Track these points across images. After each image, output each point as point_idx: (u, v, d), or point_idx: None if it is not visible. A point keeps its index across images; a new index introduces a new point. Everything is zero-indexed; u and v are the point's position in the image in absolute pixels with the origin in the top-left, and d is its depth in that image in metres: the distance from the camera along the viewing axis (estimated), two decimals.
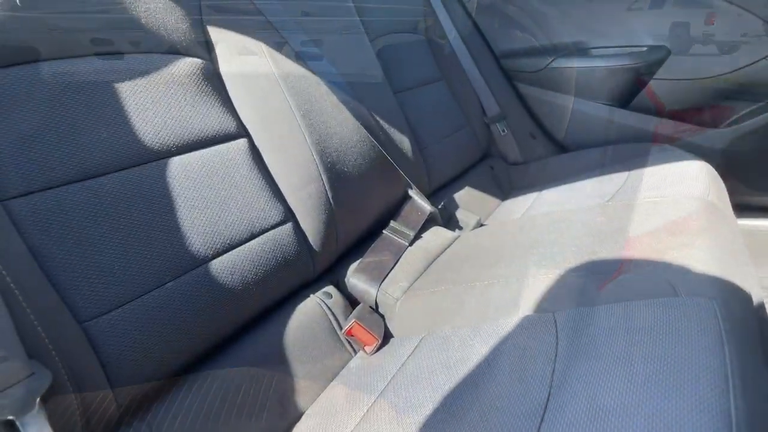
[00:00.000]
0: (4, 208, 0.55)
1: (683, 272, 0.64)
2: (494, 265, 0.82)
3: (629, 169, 1.17)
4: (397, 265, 0.94)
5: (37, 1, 0.62)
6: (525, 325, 0.65)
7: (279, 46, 0.91)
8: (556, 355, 0.56)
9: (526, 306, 0.68)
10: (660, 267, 0.66)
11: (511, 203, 1.36)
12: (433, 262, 0.96)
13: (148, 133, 0.69)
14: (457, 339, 0.68)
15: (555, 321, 0.63)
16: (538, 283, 0.71)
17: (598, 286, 0.67)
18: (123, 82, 0.69)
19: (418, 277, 0.90)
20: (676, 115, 1.44)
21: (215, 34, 0.84)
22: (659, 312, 0.56)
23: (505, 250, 0.87)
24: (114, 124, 0.66)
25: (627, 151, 1.32)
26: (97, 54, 0.68)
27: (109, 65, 0.69)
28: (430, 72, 1.45)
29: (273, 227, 0.80)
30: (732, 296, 0.59)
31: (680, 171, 1.03)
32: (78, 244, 0.59)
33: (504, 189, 1.48)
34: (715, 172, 1.06)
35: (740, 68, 1.32)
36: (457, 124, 1.43)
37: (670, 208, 0.83)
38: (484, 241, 0.96)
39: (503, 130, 1.56)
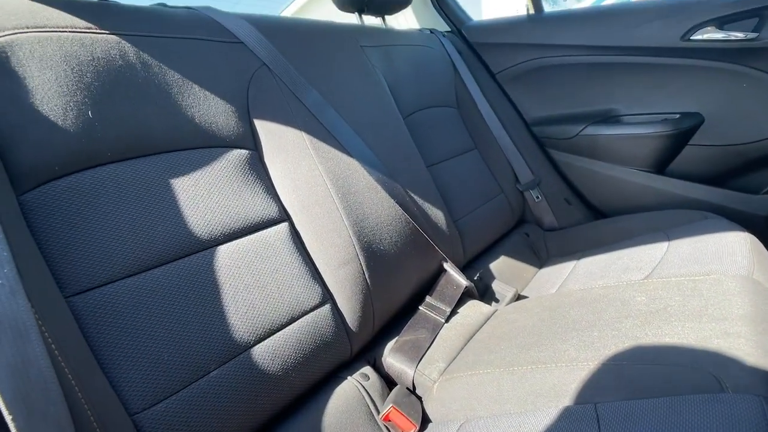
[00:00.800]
0: (68, 304, 0.60)
1: (729, 364, 0.62)
2: (532, 348, 0.81)
3: (669, 238, 1.15)
4: (434, 344, 0.94)
5: (105, 110, 0.69)
6: (565, 416, 0.64)
7: (318, 132, 0.96)
8: None
9: (566, 395, 0.67)
10: (704, 357, 0.65)
11: (548, 272, 1.35)
12: (470, 339, 0.95)
13: (198, 225, 0.74)
14: (496, 430, 0.67)
15: (597, 414, 0.61)
16: (578, 370, 0.70)
17: (640, 376, 0.65)
18: (177, 177, 0.75)
19: (456, 357, 0.90)
20: (715, 181, 1.42)
21: (260, 125, 0.90)
22: (705, 410, 0.55)
23: (542, 329, 0.86)
24: (168, 219, 0.71)
25: (666, 218, 1.30)
26: (154, 153, 0.74)
27: (165, 163, 0.75)
28: (462, 142, 1.49)
29: (312, 309, 0.82)
30: None
31: (723, 243, 1.01)
32: (131, 335, 0.62)
33: (540, 256, 1.47)
34: (760, 244, 1.03)
35: None
36: (491, 193, 1.45)
37: (712, 289, 0.81)
38: (520, 318, 0.96)
39: (537, 197, 1.57)
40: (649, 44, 1.43)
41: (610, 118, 1.56)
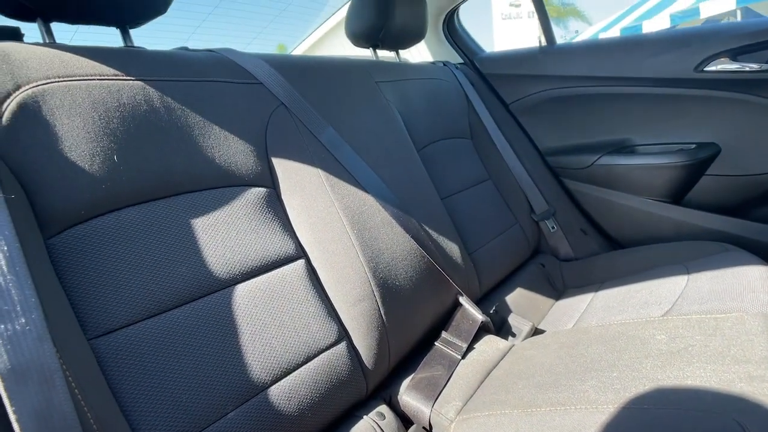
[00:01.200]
0: (91, 347, 0.60)
1: (753, 410, 0.60)
2: (550, 388, 0.80)
3: (688, 271, 1.13)
4: (450, 381, 0.93)
5: (130, 155, 0.71)
6: None
7: (334, 168, 0.98)
8: None
9: None
10: (727, 402, 0.63)
11: (565, 304, 1.34)
12: (487, 376, 0.94)
13: (217, 264, 0.75)
14: None
15: None
16: (597, 413, 0.69)
17: (661, 421, 0.64)
18: (197, 217, 0.76)
19: (472, 395, 0.89)
20: (733, 212, 1.41)
21: (278, 163, 0.92)
22: None
23: (560, 368, 0.85)
24: (188, 259, 0.72)
25: (685, 249, 1.29)
26: (175, 194, 0.76)
27: (185, 204, 0.76)
28: (476, 173, 1.49)
29: (328, 348, 0.82)
30: None
31: (744, 278, 1.00)
32: (151, 377, 0.63)
33: (557, 287, 1.46)
34: None
35: None
36: (506, 223, 1.45)
37: (734, 328, 0.80)
38: (538, 354, 0.95)
39: (553, 227, 1.56)
40: (662, 75, 1.44)
41: (624, 148, 1.56)
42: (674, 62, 1.41)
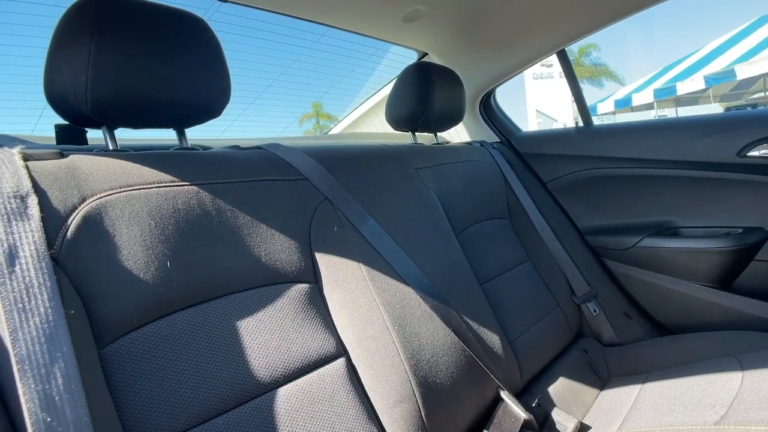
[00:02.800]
0: None
1: None
2: None
3: (743, 367, 1.08)
4: None
5: (182, 259, 0.74)
6: None
7: (375, 262, 0.99)
8: None
9: None
10: None
11: (610, 396, 1.28)
12: None
13: (260, 368, 0.76)
14: None
15: None
16: None
17: None
18: (242, 319, 0.78)
19: None
20: None
21: (320, 258, 0.94)
22: None
23: None
24: (232, 363, 0.73)
25: (736, 340, 1.24)
26: (222, 296, 0.78)
27: (231, 305, 0.78)
28: (515, 254, 1.49)
29: None
30: None
31: None
32: None
33: (601, 375, 1.41)
34: None
35: None
36: (546, 307, 1.43)
37: None
38: None
39: (595, 310, 1.52)
40: (703, 159, 1.43)
41: (666, 230, 1.53)
42: (716, 147, 1.41)
